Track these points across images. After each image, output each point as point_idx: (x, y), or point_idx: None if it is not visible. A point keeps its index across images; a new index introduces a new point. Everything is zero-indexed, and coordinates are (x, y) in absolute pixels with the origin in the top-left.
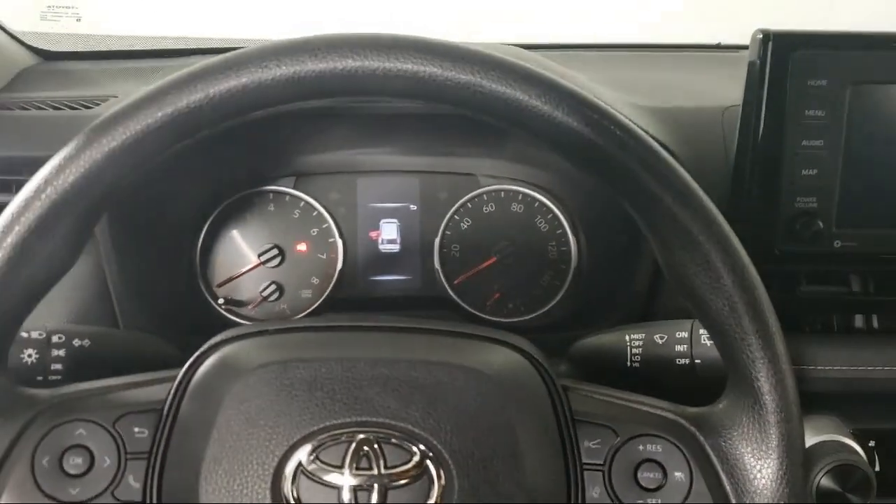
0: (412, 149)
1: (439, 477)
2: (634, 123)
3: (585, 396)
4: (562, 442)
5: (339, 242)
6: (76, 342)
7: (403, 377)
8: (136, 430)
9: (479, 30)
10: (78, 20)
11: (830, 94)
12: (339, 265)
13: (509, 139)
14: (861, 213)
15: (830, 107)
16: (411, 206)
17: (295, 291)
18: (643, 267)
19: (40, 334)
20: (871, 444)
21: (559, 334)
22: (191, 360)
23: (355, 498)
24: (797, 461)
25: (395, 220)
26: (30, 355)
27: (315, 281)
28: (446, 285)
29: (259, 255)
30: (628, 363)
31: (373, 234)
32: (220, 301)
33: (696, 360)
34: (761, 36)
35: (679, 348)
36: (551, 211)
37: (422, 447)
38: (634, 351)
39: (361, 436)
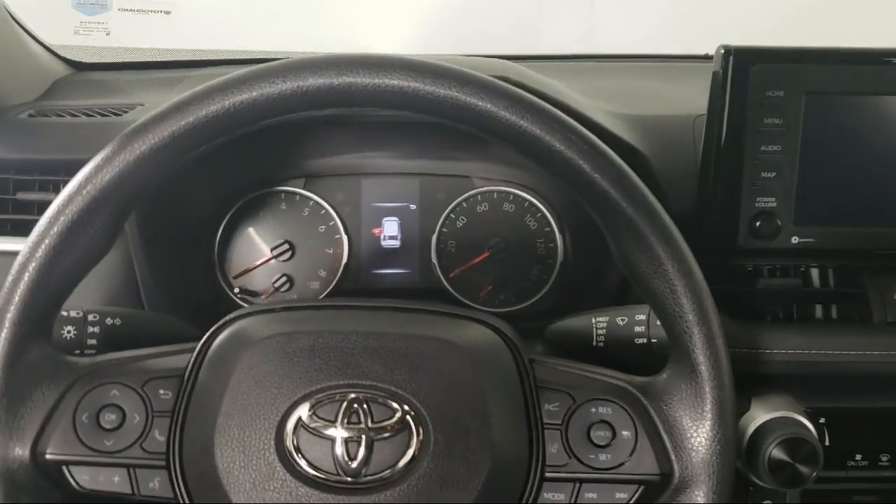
0: (412, 153)
1: (418, 432)
2: (607, 130)
3: (548, 367)
4: (525, 405)
5: (345, 238)
6: (108, 321)
7: (390, 347)
8: (162, 392)
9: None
10: (107, 34)
11: (787, 104)
12: (345, 259)
13: (499, 145)
14: (817, 211)
15: (787, 115)
16: (411, 205)
17: (304, 283)
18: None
19: (78, 313)
20: (822, 420)
21: (545, 321)
22: (208, 333)
23: (346, 448)
24: (728, 423)
25: (396, 219)
26: (69, 331)
27: (322, 273)
28: (442, 278)
29: (272, 250)
30: (594, 343)
31: (375, 231)
32: (236, 290)
33: (653, 340)
34: (723, 51)
35: (638, 329)
36: (540, 210)
37: (404, 406)
38: (599, 332)
39: (352, 395)
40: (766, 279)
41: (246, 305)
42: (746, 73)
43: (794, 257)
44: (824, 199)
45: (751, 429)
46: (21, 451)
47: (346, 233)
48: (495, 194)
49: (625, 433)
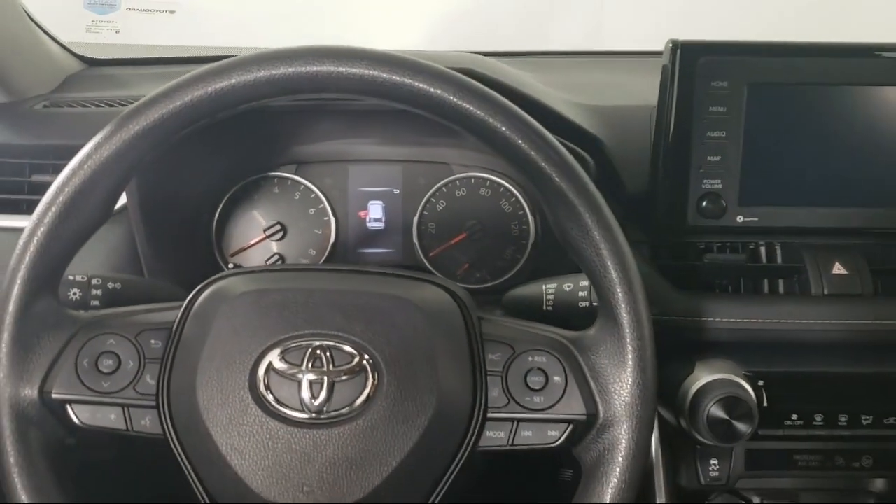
0: (395, 141)
1: (373, 375)
2: (564, 117)
3: (494, 323)
4: (471, 355)
5: (333, 220)
6: (110, 285)
7: (350, 302)
8: (153, 341)
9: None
10: (117, 32)
11: (730, 93)
12: (333, 239)
13: None
14: (760, 192)
15: (731, 104)
16: (394, 189)
17: (295, 261)
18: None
19: (83, 278)
20: (761, 383)
21: None
22: (193, 292)
23: (311, 388)
24: (647, 370)
25: (380, 202)
26: (74, 293)
27: (312, 252)
28: (423, 257)
29: (265, 230)
30: (544, 307)
31: (361, 214)
32: (231, 267)
33: (594, 303)
34: (672, 45)
35: (581, 294)
36: (514, 195)
37: (362, 353)
38: (548, 298)
39: (316, 343)
40: (714, 255)
41: None
42: (693, 65)
43: (739, 235)
44: (766, 181)
45: (693, 389)
46: (30, 391)
47: (334, 215)
48: (472, 180)
49: (556, 379)
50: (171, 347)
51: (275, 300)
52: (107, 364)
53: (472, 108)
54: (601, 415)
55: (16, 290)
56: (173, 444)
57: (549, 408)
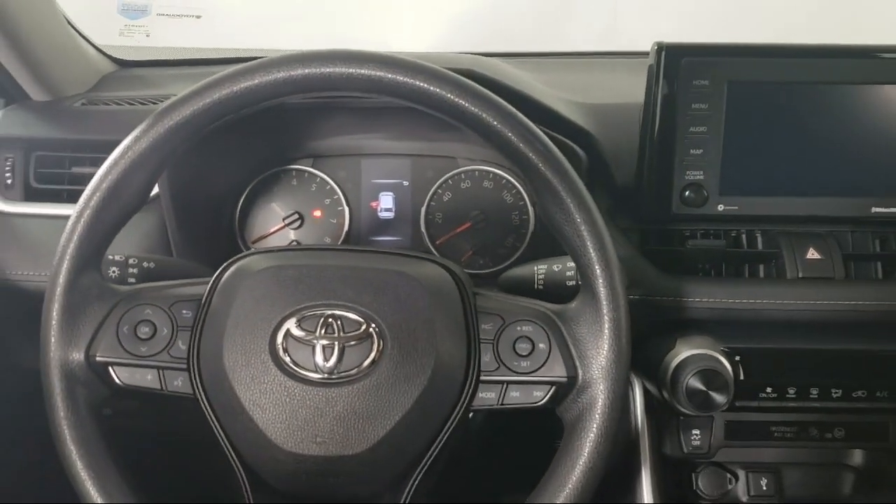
0: (405, 136)
1: (378, 341)
2: (559, 114)
3: (487, 297)
4: (466, 325)
5: (347, 210)
6: (145, 264)
7: (359, 277)
8: (184, 311)
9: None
10: (147, 36)
11: (712, 91)
12: (346, 228)
13: None
14: (739, 183)
15: (712, 101)
16: (404, 181)
17: None
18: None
19: (121, 257)
20: (738, 358)
21: None
22: (220, 269)
23: (323, 352)
24: (622, 338)
25: (391, 193)
26: (114, 271)
27: (327, 240)
28: (430, 245)
29: (284, 219)
30: (535, 286)
31: (373, 204)
32: None
33: (579, 282)
34: (657, 47)
35: (569, 273)
36: (515, 187)
37: (369, 322)
38: (539, 277)
39: (328, 313)
40: (697, 241)
41: None
42: (677, 65)
43: (720, 222)
44: (746, 173)
45: (674, 363)
46: (77, 355)
47: (348, 205)
48: (477, 172)
49: (541, 346)
50: (201, 317)
51: (292, 275)
52: (144, 331)
53: (466, 104)
54: (580, 377)
55: (65, 265)
56: (202, 401)
57: (535, 371)
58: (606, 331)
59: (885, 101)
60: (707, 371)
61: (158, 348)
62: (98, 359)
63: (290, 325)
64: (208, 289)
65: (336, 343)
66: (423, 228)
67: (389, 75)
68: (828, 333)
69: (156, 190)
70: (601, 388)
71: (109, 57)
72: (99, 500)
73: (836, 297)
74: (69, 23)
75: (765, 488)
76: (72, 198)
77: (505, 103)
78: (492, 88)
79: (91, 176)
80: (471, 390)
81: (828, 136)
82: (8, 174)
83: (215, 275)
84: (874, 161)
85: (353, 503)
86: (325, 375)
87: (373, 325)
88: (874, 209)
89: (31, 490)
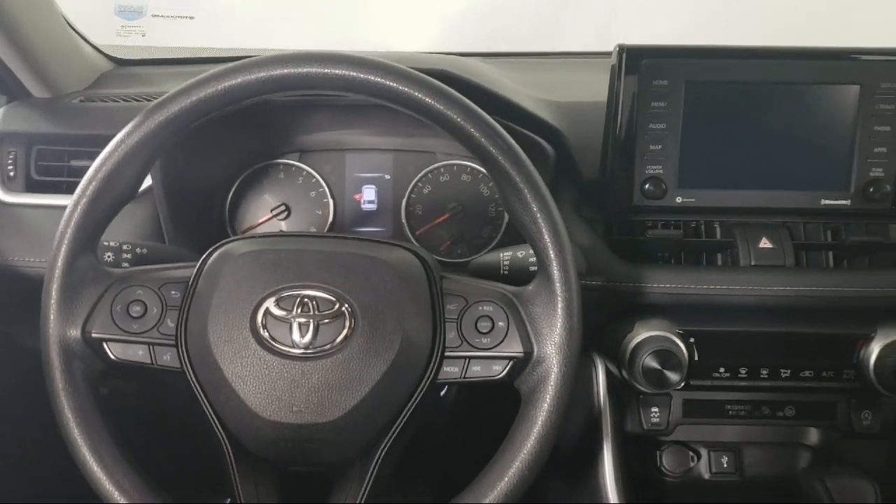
0: (387, 131)
1: (350, 319)
2: (527, 111)
3: (453, 281)
4: (432, 305)
5: (331, 202)
6: (138, 249)
7: (333, 261)
8: (173, 292)
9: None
10: (143, 36)
11: (670, 90)
12: (331, 219)
13: None
14: (696, 177)
15: (670, 99)
16: (386, 175)
17: None
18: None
19: (115, 243)
20: (692, 340)
21: None
22: (205, 254)
23: (300, 329)
24: (573, 317)
25: (373, 186)
26: (109, 256)
27: (313, 230)
28: (410, 235)
29: (272, 210)
30: (501, 272)
31: (356, 197)
32: None
33: None
34: (618, 48)
35: (532, 259)
36: (492, 181)
37: (342, 302)
38: (505, 263)
39: (304, 293)
40: (656, 231)
41: None
42: (637, 66)
43: (678, 214)
44: (702, 167)
45: (632, 344)
46: (74, 331)
47: (332, 197)
48: (455, 167)
49: (500, 324)
50: (188, 297)
51: (271, 259)
52: (136, 310)
53: (433, 102)
54: (535, 352)
55: (63, 249)
56: (189, 374)
57: (494, 347)
58: (560, 310)
59: (833, 100)
60: (662, 351)
61: (149, 326)
62: (93, 335)
63: (270, 304)
64: (195, 271)
65: (311, 321)
66: (403, 219)
67: (362, 75)
68: (777, 317)
69: (150, 182)
70: (554, 362)
71: (107, 56)
72: (93, 464)
73: (784, 284)
74: (69, 24)
75: (726, 466)
76: (70, 189)
77: (468, 102)
78: (464, 88)
79: (88, 168)
80: (436, 365)
81: (779, 133)
82: (10, 167)
83: (201, 259)
84: (822, 156)
85: (327, 468)
86: (302, 350)
87: (345, 305)
88: (823, 202)
89: (32, 463)
